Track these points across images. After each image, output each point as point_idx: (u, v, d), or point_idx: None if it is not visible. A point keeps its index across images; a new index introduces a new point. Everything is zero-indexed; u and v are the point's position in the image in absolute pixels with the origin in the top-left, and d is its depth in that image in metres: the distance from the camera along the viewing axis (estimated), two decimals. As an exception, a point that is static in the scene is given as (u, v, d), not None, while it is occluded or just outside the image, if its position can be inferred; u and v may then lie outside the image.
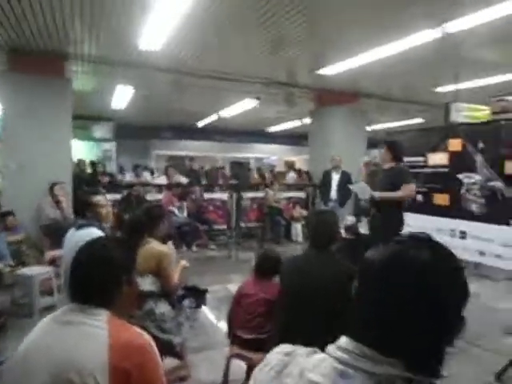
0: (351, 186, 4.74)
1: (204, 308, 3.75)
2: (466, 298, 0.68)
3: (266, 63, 6.13)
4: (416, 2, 3.86)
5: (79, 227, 2.58)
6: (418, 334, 0.64)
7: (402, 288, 0.64)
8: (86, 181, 7.03)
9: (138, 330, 1.18)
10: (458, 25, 4.29)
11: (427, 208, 5.30)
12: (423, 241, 0.70)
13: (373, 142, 10.33)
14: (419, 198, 4.83)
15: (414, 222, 4.92)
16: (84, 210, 2.65)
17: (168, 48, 5.24)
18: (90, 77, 7.01)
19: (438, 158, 5.57)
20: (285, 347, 0.78)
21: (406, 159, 5.68)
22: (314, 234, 2.04)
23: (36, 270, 4.18)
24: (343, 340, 0.69)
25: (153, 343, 1.15)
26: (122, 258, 1.25)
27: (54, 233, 5.52)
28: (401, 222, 3.99)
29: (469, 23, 4.23)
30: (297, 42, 5.13)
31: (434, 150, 5.68)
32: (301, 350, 0.75)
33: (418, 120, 10.80)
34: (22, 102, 5.68)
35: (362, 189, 4.07)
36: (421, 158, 5.57)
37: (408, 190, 3.84)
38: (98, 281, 1.18)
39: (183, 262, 2.82)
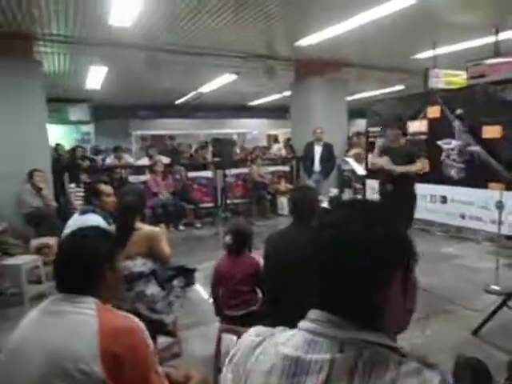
0: (374, 161, 4.73)
1: (196, 286, 3.82)
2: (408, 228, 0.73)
3: (243, 36, 5.98)
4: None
5: (82, 213, 2.81)
6: (363, 285, 0.66)
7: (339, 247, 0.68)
8: (65, 166, 6.88)
9: (126, 314, 1.20)
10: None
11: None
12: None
13: (353, 112, 10.34)
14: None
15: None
16: (91, 197, 2.92)
17: (139, 24, 5.06)
18: (60, 58, 6.75)
19: (418, 126, 5.64)
20: (256, 329, 0.80)
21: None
22: (295, 210, 2.08)
23: (22, 259, 4.14)
24: (312, 311, 0.71)
25: (141, 325, 1.18)
26: (103, 247, 1.27)
27: (38, 221, 5.47)
28: (415, 198, 4.16)
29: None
30: (274, 13, 5.01)
31: (414, 117, 5.74)
32: (273, 330, 0.77)
33: (399, 87, 10.82)
34: (-10, 86, 5.46)
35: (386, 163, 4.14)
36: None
37: (424, 162, 4.05)
38: (79, 270, 1.19)
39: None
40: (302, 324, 0.71)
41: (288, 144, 9.23)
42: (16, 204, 5.57)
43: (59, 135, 10.33)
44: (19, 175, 5.48)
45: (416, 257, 0.73)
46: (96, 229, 1.38)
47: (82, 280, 1.19)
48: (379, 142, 4.46)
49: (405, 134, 4.20)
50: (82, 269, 1.19)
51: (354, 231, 0.68)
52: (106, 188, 2.90)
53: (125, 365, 1.08)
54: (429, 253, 4.86)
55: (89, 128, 11.29)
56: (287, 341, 0.71)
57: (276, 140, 11.92)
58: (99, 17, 4.85)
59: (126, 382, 1.09)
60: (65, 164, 7.02)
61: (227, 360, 0.81)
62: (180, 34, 5.71)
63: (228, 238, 2.45)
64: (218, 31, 5.65)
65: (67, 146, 8.89)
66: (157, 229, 2.66)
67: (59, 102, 10.34)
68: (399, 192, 4.01)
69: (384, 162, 4.11)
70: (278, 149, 10.05)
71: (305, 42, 6.25)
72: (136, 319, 1.19)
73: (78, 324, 1.10)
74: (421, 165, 3.99)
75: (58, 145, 7.98)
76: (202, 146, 8.37)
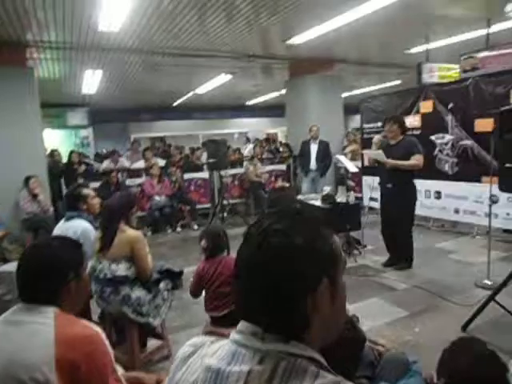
0: (366, 151, 4.87)
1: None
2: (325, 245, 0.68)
3: (236, 37, 5.97)
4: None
5: (68, 219, 2.80)
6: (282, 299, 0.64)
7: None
8: (61, 171, 6.93)
9: (86, 322, 1.21)
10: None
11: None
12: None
13: (352, 108, 10.29)
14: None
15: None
16: (76, 203, 2.86)
17: (129, 28, 5.07)
18: (54, 63, 6.79)
19: (411, 121, 5.61)
20: (195, 339, 0.79)
21: (379, 123, 5.70)
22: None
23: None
24: (241, 322, 0.70)
25: (101, 334, 1.19)
26: (67, 256, 1.27)
27: (35, 227, 5.52)
28: (415, 195, 4.24)
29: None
30: (264, 12, 4.98)
31: (408, 112, 5.70)
32: (206, 339, 0.77)
33: (396, 82, 10.76)
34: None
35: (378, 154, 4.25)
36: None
37: (418, 160, 4.06)
38: (41, 280, 1.20)
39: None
40: (231, 334, 0.71)
41: (261, 144, 9.25)
42: (14, 209, 5.64)
43: (59, 140, 10.41)
44: (15, 181, 5.54)
45: (343, 265, 0.72)
46: (62, 238, 1.40)
47: (44, 290, 1.20)
48: (375, 138, 4.48)
49: (404, 131, 4.22)
50: (44, 278, 1.20)
51: (277, 239, 0.67)
52: (89, 191, 2.90)
53: (82, 372, 1.09)
54: (424, 248, 4.85)
55: (87, 132, 11.35)
56: (215, 352, 0.70)
57: (248, 140, 11.86)
58: (88, 22, 4.87)
59: (85, 389, 1.10)
60: (61, 169, 7.06)
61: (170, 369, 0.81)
62: (171, 36, 5.71)
63: (203, 242, 2.46)
64: (211, 32, 5.64)
65: (66, 151, 8.93)
66: (140, 234, 2.66)
67: (58, 107, 10.42)
68: (399, 190, 4.10)
69: (377, 154, 4.19)
70: (249, 150, 9.81)
71: (297, 39, 6.23)
72: (96, 328, 1.20)
73: (34, 334, 1.12)
74: (414, 162, 4.04)
75: (53, 150, 8.04)
76: (198, 148, 8.41)
